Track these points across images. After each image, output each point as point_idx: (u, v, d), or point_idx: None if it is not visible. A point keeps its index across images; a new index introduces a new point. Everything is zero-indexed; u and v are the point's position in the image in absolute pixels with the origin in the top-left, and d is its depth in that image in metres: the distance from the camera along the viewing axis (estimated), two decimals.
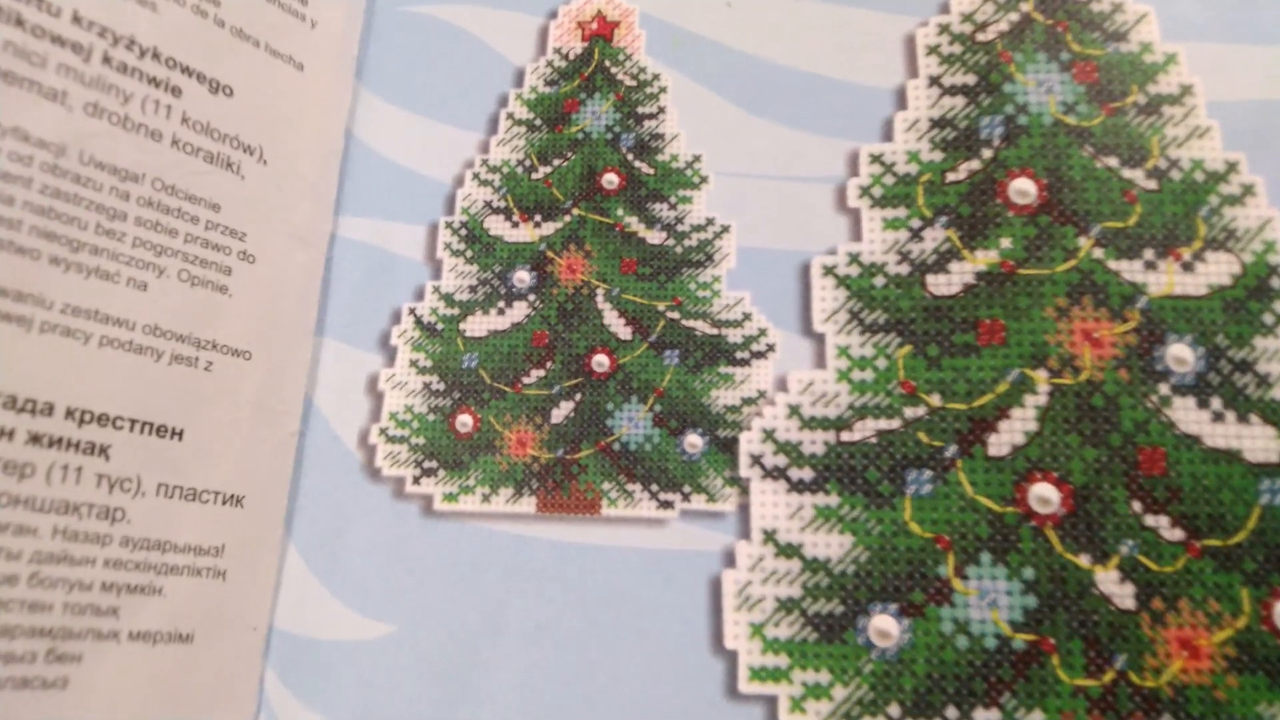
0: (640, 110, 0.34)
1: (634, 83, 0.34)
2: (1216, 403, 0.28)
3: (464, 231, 0.34)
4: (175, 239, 0.27)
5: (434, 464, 0.31)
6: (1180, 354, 0.28)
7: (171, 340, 0.27)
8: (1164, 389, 0.28)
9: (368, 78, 0.36)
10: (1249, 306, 0.29)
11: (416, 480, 0.31)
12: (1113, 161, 0.31)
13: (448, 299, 0.33)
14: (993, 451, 0.28)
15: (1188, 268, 0.29)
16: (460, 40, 0.37)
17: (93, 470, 0.24)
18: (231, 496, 0.29)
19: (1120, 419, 0.28)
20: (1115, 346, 0.29)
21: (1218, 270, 0.29)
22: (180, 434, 0.27)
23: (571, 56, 0.35)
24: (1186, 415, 0.28)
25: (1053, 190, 0.31)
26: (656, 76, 0.34)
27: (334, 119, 0.35)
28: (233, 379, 0.29)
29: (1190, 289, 0.29)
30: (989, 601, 0.27)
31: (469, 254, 0.33)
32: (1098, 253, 0.30)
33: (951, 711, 0.26)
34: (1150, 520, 0.27)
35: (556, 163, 0.34)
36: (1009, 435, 0.29)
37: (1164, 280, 0.29)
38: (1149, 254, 0.30)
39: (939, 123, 0.32)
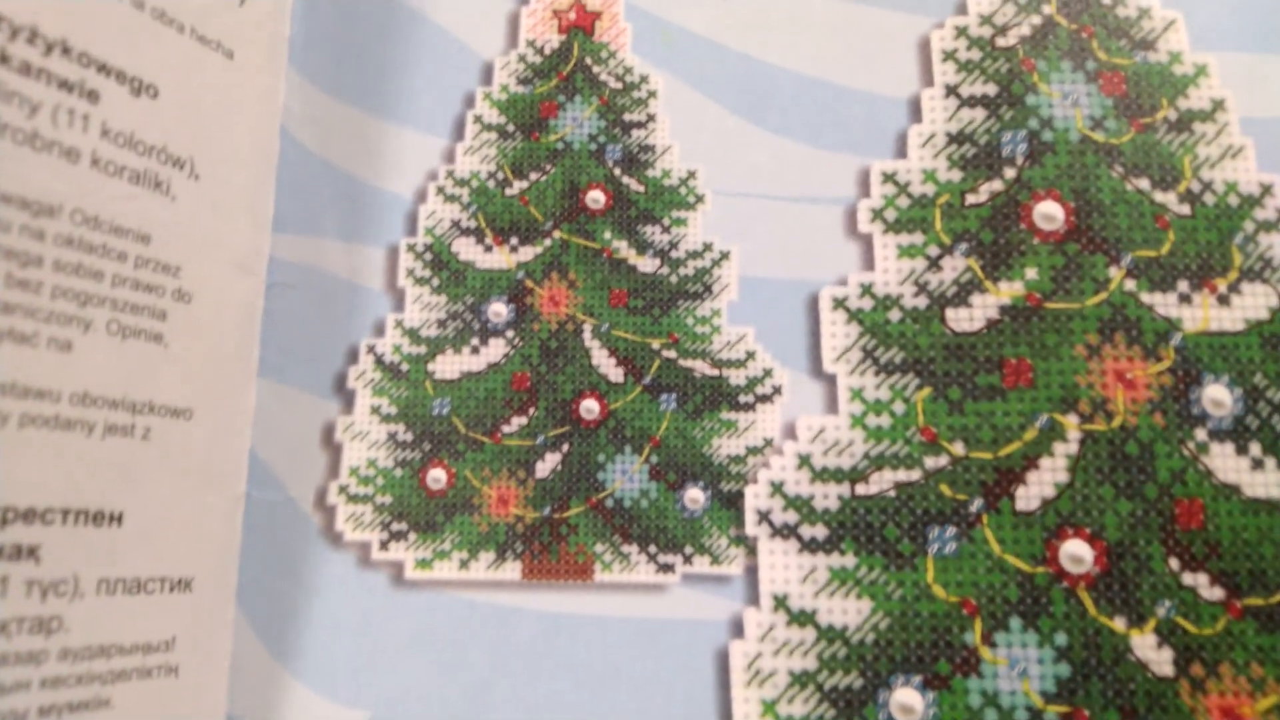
0: (627, 117, 0.32)
1: (619, 85, 0.33)
2: (1255, 448, 0.28)
3: (429, 256, 0.31)
4: (101, 283, 0.25)
5: (403, 526, 0.29)
6: (1217, 396, 0.28)
7: (103, 408, 0.24)
8: (1201, 434, 0.28)
9: (302, 63, 0.33)
10: None
11: (384, 545, 0.29)
12: (1144, 183, 0.30)
13: (412, 335, 0.31)
14: (1021, 505, 0.28)
15: (1223, 301, 0.29)
16: (416, 24, 0.34)
17: (21, 578, 0.22)
18: (179, 581, 0.27)
19: (1155, 468, 0.28)
20: (1149, 388, 0.28)
21: (1255, 303, 0.29)
22: (119, 518, 0.25)
23: (547, 51, 0.33)
24: (1225, 463, 0.28)
25: (1081, 215, 0.30)
26: (645, 78, 0.33)
27: (269, 116, 0.33)
28: (174, 444, 0.27)
29: (1226, 324, 0.29)
30: (1019, 671, 0.27)
31: (436, 282, 0.31)
32: (1130, 284, 0.29)
33: None
34: (1188, 578, 0.27)
35: (534, 176, 0.32)
36: (1038, 487, 0.28)
37: (1199, 315, 0.29)
38: (1183, 286, 0.29)
39: (957, 138, 0.31)
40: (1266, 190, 0.30)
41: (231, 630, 0.28)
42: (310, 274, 0.32)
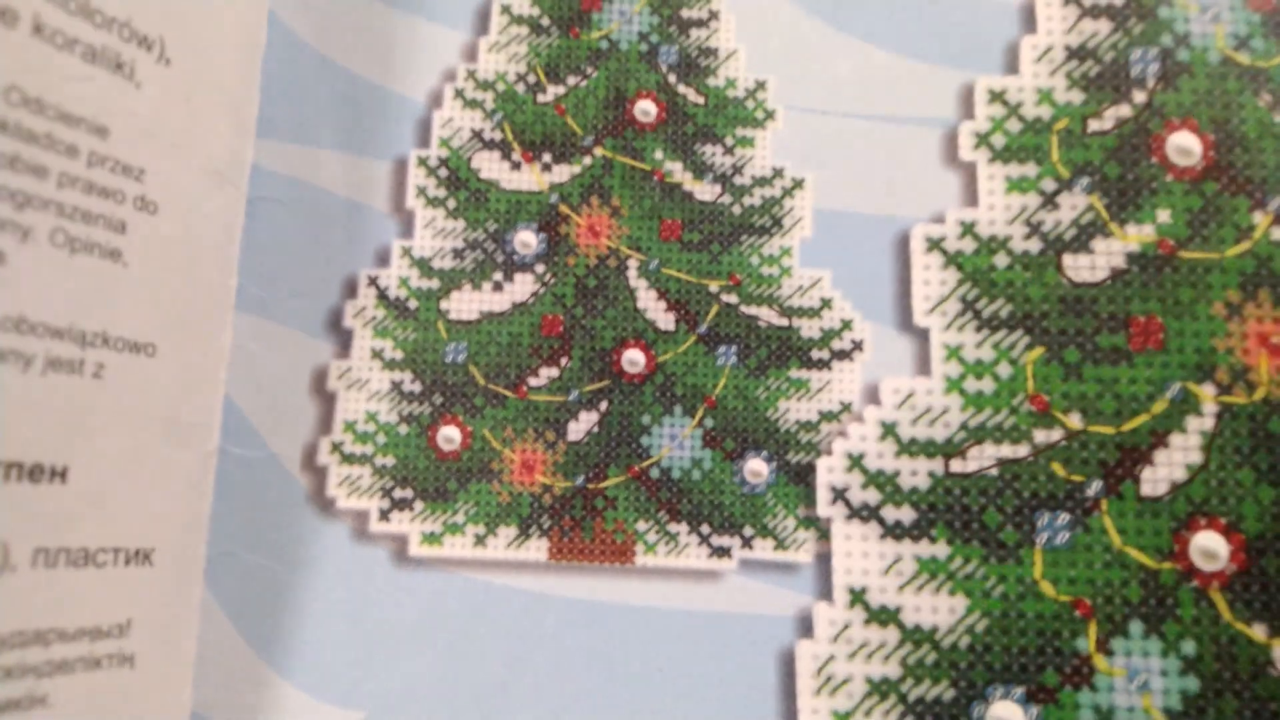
0: (685, 14, 0.29)
1: None
2: None
3: (444, 172, 0.28)
4: (45, 182, 0.22)
5: (409, 493, 0.26)
6: None
7: (44, 338, 0.21)
8: None
9: None
10: None
11: (385, 515, 0.26)
12: None
13: (423, 266, 0.28)
14: (1146, 490, 0.25)
15: None
16: None
17: None
18: (136, 552, 0.24)
19: None
20: None
21: None
22: (63, 474, 0.22)
23: None
24: None
25: (1221, 149, 0.27)
26: None
27: None
28: (133, 386, 0.24)
29: None
30: (1140, 684, 0.25)
31: (452, 204, 0.28)
32: (1277, 233, 0.26)
33: None
34: None
35: (572, 81, 0.29)
36: (1167, 469, 0.26)
37: None
38: None
39: (1078, 53, 0.28)
40: None
41: (199, 613, 0.25)
42: (302, 189, 0.29)
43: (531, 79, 0.29)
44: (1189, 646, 0.25)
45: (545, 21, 0.29)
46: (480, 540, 0.26)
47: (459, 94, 0.29)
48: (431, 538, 0.26)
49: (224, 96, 0.28)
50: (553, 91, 0.29)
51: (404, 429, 0.27)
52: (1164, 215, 0.27)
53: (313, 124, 0.29)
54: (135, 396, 0.24)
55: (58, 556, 0.22)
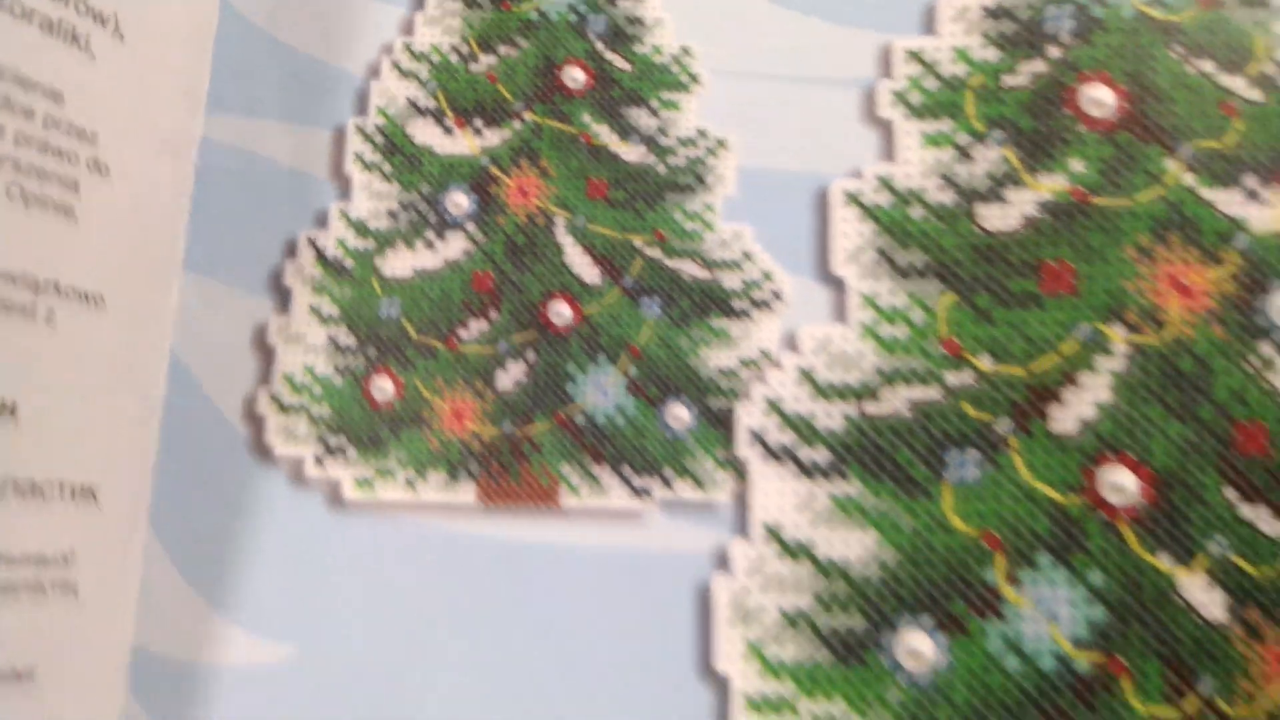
0: None
1: None
2: None
3: (381, 139, 0.32)
4: (2, 140, 0.25)
5: (343, 441, 0.30)
6: None
7: (0, 282, 0.25)
8: (1267, 348, 0.28)
9: None
10: None
11: (320, 462, 0.30)
12: (1208, 65, 0.30)
13: (359, 227, 0.31)
14: (1056, 427, 0.28)
15: None
16: None
17: None
18: (81, 488, 0.27)
19: (1213, 386, 0.28)
20: (1209, 296, 0.28)
21: None
22: (13, 409, 0.25)
23: None
24: None
25: (1135, 100, 0.30)
26: None
27: None
28: (82, 333, 0.27)
29: None
30: (1047, 613, 0.27)
31: (387, 169, 0.32)
32: (1189, 179, 0.29)
33: None
34: (1247, 511, 0.27)
35: (504, 51, 0.32)
36: (1076, 407, 0.28)
37: (1269, 214, 0.29)
38: (1251, 181, 0.29)
39: (994, 12, 0.31)
40: None
41: (142, 551, 0.29)
42: (247, 159, 0.33)
43: (465, 50, 0.33)
44: (1096, 577, 0.27)
45: None
46: (411, 485, 0.29)
47: (396, 66, 0.33)
48: (364, 483, 0.29)
49: (175, 72, 0.32)
50: (485, 61, 0.32)
51: (339, 381, 0.30)
52: (1077, 165, 0.30)
53: (260, 98, 0.33)
54: (84, 344, 0.27)
55: (5, 485, 0.25)
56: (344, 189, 0.32)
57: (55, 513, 0.26)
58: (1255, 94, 0.30)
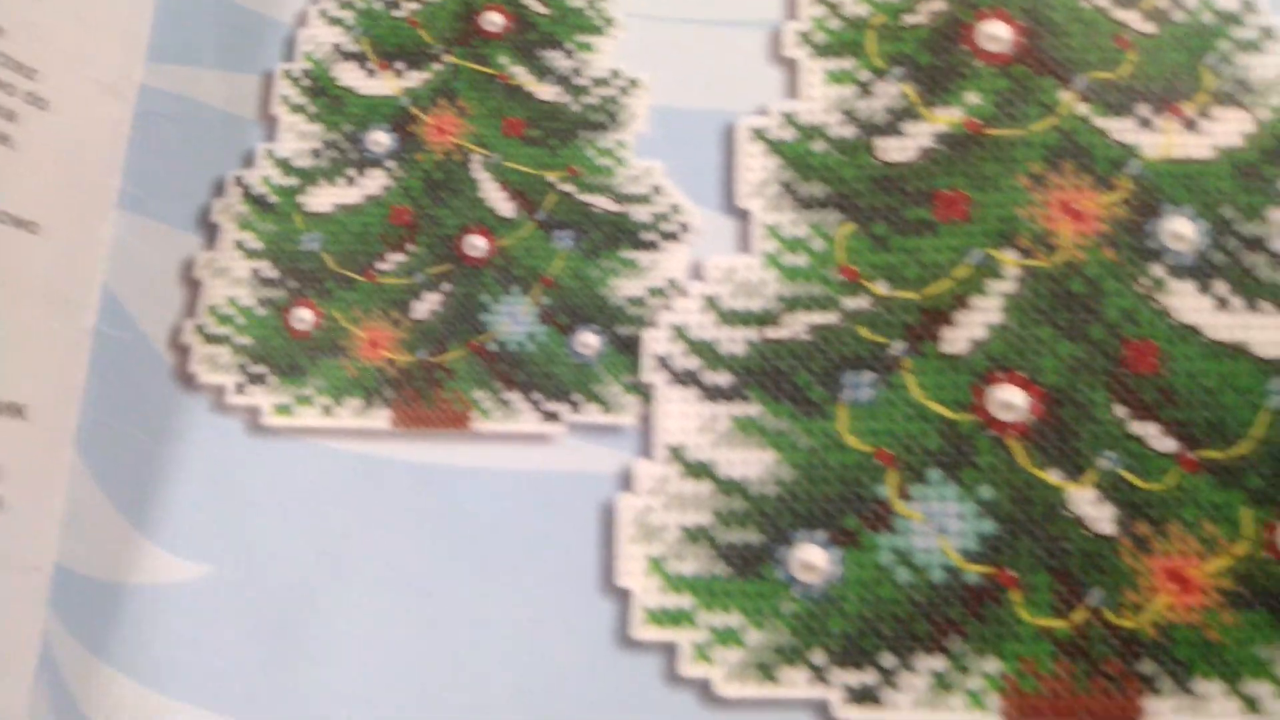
0: None
1: None
2: (1221, 287, 0.27)
3: (307, 82, 0.32)
4: None
5: (263, 369, 0.30)
6: (1178, 229, 0.27)
7: None
8: (1158, 271, 0.27)
9: None
10: (1263, 172, 0.28)
11: (241, 389, 0.29)
12: (1103, 0, 0.30)
13: (284, 166, 0.31)
14: (947, 348, 0.28)
15: (1190, 126, 0.29)
16: None
17: None
18: (10, 405, 0.27)
19: (1104, 307, 0.27)
20: (1100, 220, 0.28)
21: (1227, 129, 0.29)
22: None
23: None
24: (1184, 302, 0.27)
25: (1030, 35, 0.30)
26: None
27: None
28: (15, 256, 0.27)
29: (1193, 151, 0.28)
30: (937, 527, 0.26)
31: (312, 110, 0.32)
32: (1082, 109, 0.29)
33: (888, 659, 0.26)
34: (1136, 428, 0.26)
35: None
36: (968, 329, 0.28)
37: (1161, 141, 0.28)
38: (1144, 110, 0.29)
39: None
40: (1249, 6, 0.29)
41: (67, 472, 0.29)
42: (184, 104, 0.33)
43: None
44: (986, 491, 0.27)
45: None
46: (328, 411, 0.29)
47: (323, 13, 0.32)
48: (283, 409, 0.29)
49: (116, 21, 0.32)
50: (407, 7, 0.32)
51: (261, 311, 0.30)
52: (973, 98, 0.30)
53: (197, 47, 0.33)
54: (16, 266, 0.28)
55: None
56: (271, 130, 0.32)
57: None
58: (1149, 26, 0.29)
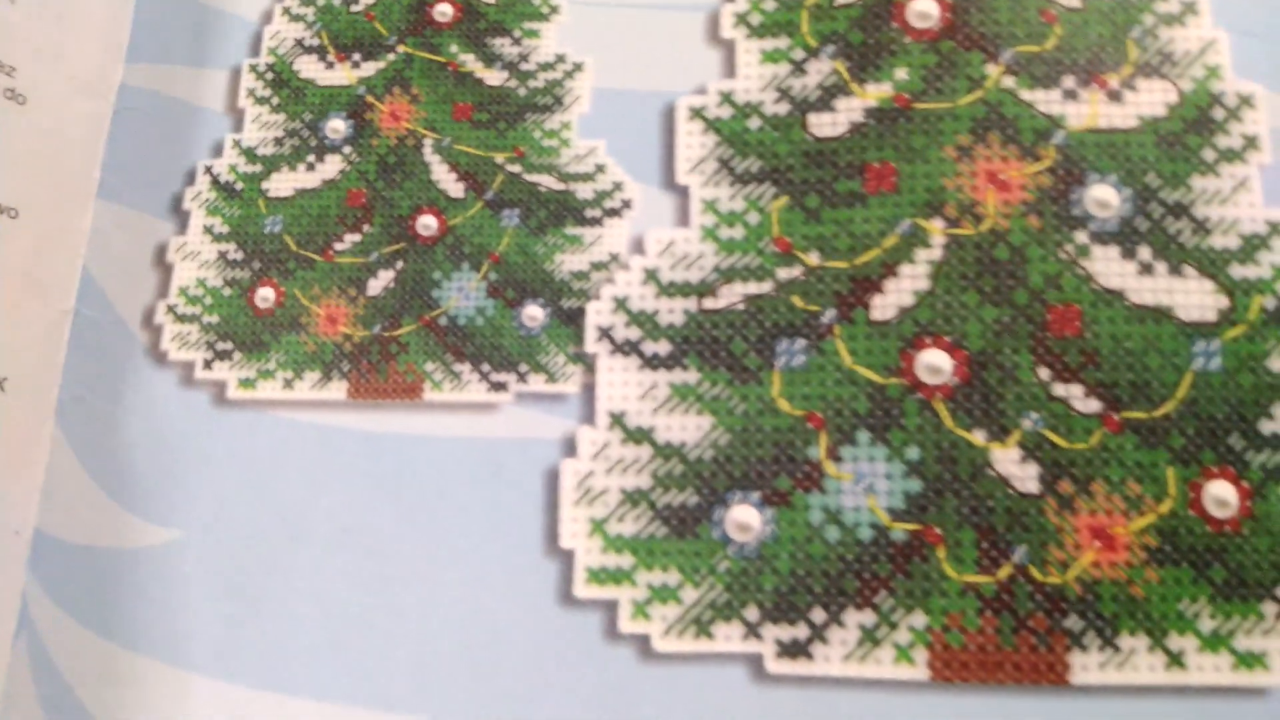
0: None
1: None
2: (1145, 252, 0.27)
3: (270, 75, 0.32)
4: None
5: (229, 345, 0.30)
6: (1102, 196, 0.27)
7: None
8: (1082, 237, 0.27)
9: None
10: (1187, 141, 0.28)
11: (208, 364, 0.30)
12: None
13: (249, 154, 0.32)
14: (876, 315, 0.27)
15: (1115, 97, 0.28)
16: None
17: None
18: None
19: (1028, 273, 0.27)
20: (1025, 189, 0.28)
21: (1151, 100, 0.28)
22: None
23: None
24: (1108, 267, 0.27)
25: (958, 11, 0.29)
26: None
27: None
28: None
29: (1117, 121, 0.28)
30: (865, 486, 0.26)
31: (275, 101, 0.32)
32: (1008, 81, 0.28)
33: (818, 614, 0.26)
34: (1060, 390, 0.26)
35: None
36: (896, 296, 0.27)
37: (1086, 112, 0.28)
38: (1069, 82, 0.28)
39: None
40: None
41: (47, 442, 0.29)
42: (158, 100, 0.33)
43: None
44: (913, 452, 0.26)
45: None
46: (289, 384, 0.29)
47: (286, 11, 0.33)
48: (246, 383, 0.30)
49: (94, 23, 0.33)
50: (364, 2, 0.32)
51: (227, 291, 0.30)
52: (902, 73, 0.29)
53: (170, 46, 0.34)
54: (0, 252, 0.28)
55: None
56: (238, 121, 0.33)
57: None
58: (1074, 1, 0.29)
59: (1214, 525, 0.25)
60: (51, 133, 0.30)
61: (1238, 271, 0.26)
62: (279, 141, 0.31)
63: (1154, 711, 0.24)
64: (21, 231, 0.29)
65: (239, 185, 0.31)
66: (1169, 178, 0.27)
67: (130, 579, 0.28)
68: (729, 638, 0.26)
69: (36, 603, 0.28)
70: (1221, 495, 0.25)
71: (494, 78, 0.31)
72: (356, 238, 0.30)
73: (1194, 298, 0.26)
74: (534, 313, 0.29)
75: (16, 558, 0.28)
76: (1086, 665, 0.24)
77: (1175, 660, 0.24)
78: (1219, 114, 0.27)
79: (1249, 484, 0.25)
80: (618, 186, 0.29)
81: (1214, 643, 0.24)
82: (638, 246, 0.29)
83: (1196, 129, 0.27)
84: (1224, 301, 0.26)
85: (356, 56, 0.31)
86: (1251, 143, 0.27)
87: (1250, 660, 0.24)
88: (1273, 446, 0.25)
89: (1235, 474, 0.25)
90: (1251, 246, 0.27)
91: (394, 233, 0.30)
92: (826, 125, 0.29)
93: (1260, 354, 0.26)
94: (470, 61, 0.31)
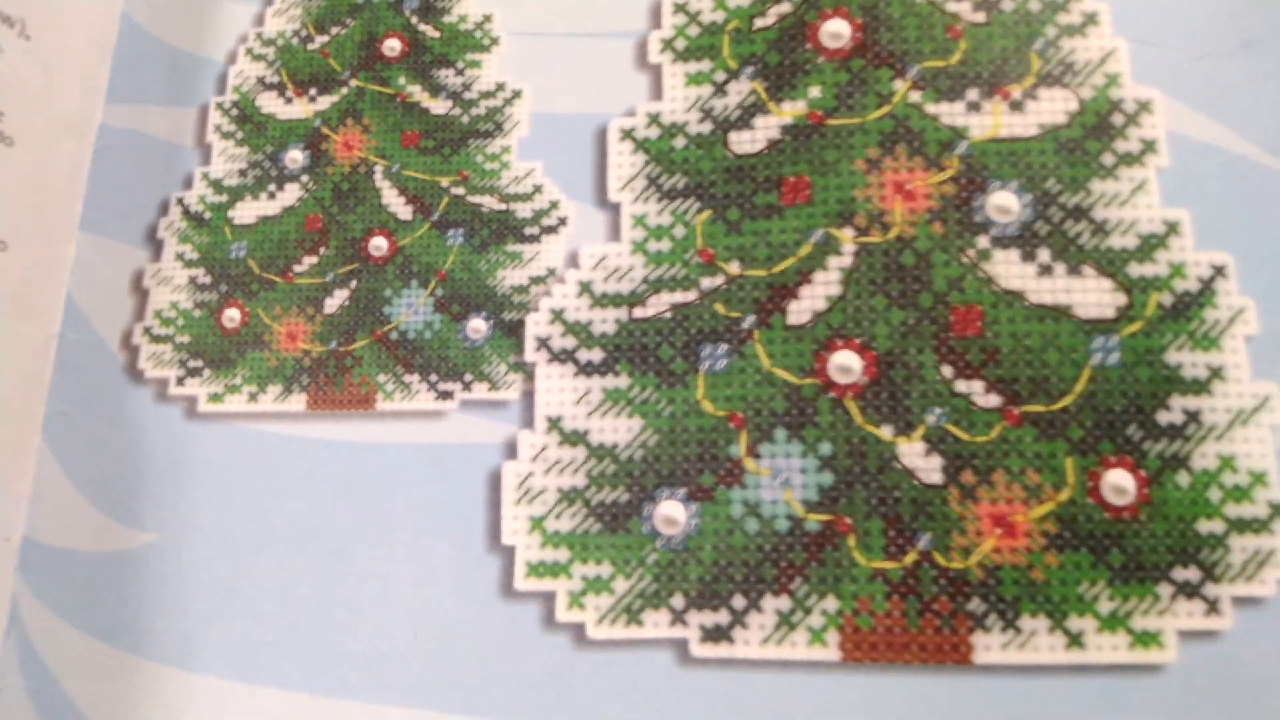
0: None
1: None
2: (1045, 254, 0.27)
3: (235, 111, 0.33)
4: None
5: (199, 363, 0.31)
6: (1002, 202, 0.27)
7: None
8: (983, 242, 0.27)
9: None
10: (1086, 147, 0.28)
11: (181, 381, 0.31)
12: None
13: (216, 185, 0.32)
14: (792, 320, 0.28)
15: (1016, 107, 0.28)
16: None
17: None
18: None
19: (932, 277, 0.27)
20: (930, 198, 0.28)
21: (1052, 108, 0.28)
22: None
23: None
24: (1008, 270, 0.27)
25: (868, 31, 0.30)
26: None
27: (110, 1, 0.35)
28: None
29: (1019, 130, 0.28)
30: (782, 481, 0.27)
31: (240, 135, 0.33)
32: (915, 96, 0.29)
33: (738, 600, 0.26)
34: (962, 386, 0.26)
35: (335, 31, 0.33)
36: (810, 301, 0.28)
37: (989, 122, 0.28)
38: (973, 94, 0.29)
39: None
40: None
41: (34, 455, 0.30)
42: (136, 138, 0.34)
43: (304, 33, 0.34)
44: (825, 448, 0.27)
45: None
46: (253, 397, 0.30)
47: (249, 51, 0.34)
48: (215, 397, 0.30)
49: (77, 68, 0.34)
50: (319, 40, 0.33)
51: (197, 313, 0.31)
52: (815, 91, 0.30)
53: (145, 88, 0.35)
54: None
55: None
56: (207, 155, 0.33)
57: None
58: (978, 16, 0.29)
59: (1112, 512, 0.25)
60: (37, 170, 0.31)
61: (1136, 270, 0.26)
62: (243, 173, 0.32)
63: (1055, 689, 0.25)
64: (11, 262, 0.30)
65: (207, 214, 0.32)
66: (1069, 182, 0.27)
67: (110, 580, 0.29)
68: (657, 624, 0.26)
69: (25, 603, 0.29)
70: (1119, 483, 0.25)
71: (439, 106, 0.31)
72: (314, 260, 0.31)
73: (1093, 296, 0.27)
74: (478, 325, 0.29)
75: (7, 563, 0.29)
76: (989, 646, 0.25)
77: (1075, 640, 0.25)
78: (1118, 120, 0.28)
79: (1146, 472, 0.25)
80: (554, 205, 0.30)
81: (1112, 623, 0.24)
82: (573, 261, 0.30)
83: (1096, 135, 0.28)
84: (1122, 299, 0.26)
85: (313, 91, 0.32)
86: (1150, 146, 0.27)
87: (1147, 639, 0.24)
88: (1169, 436, 0.25)
89: (1133, 463, 0.25)
90: (1149, 246, 0.27)
91: (348, 254, 0.31)
92: (746, 142, 0.29)
93: (1157, 348, 0.26)
94: (417, 92, 0.32)
